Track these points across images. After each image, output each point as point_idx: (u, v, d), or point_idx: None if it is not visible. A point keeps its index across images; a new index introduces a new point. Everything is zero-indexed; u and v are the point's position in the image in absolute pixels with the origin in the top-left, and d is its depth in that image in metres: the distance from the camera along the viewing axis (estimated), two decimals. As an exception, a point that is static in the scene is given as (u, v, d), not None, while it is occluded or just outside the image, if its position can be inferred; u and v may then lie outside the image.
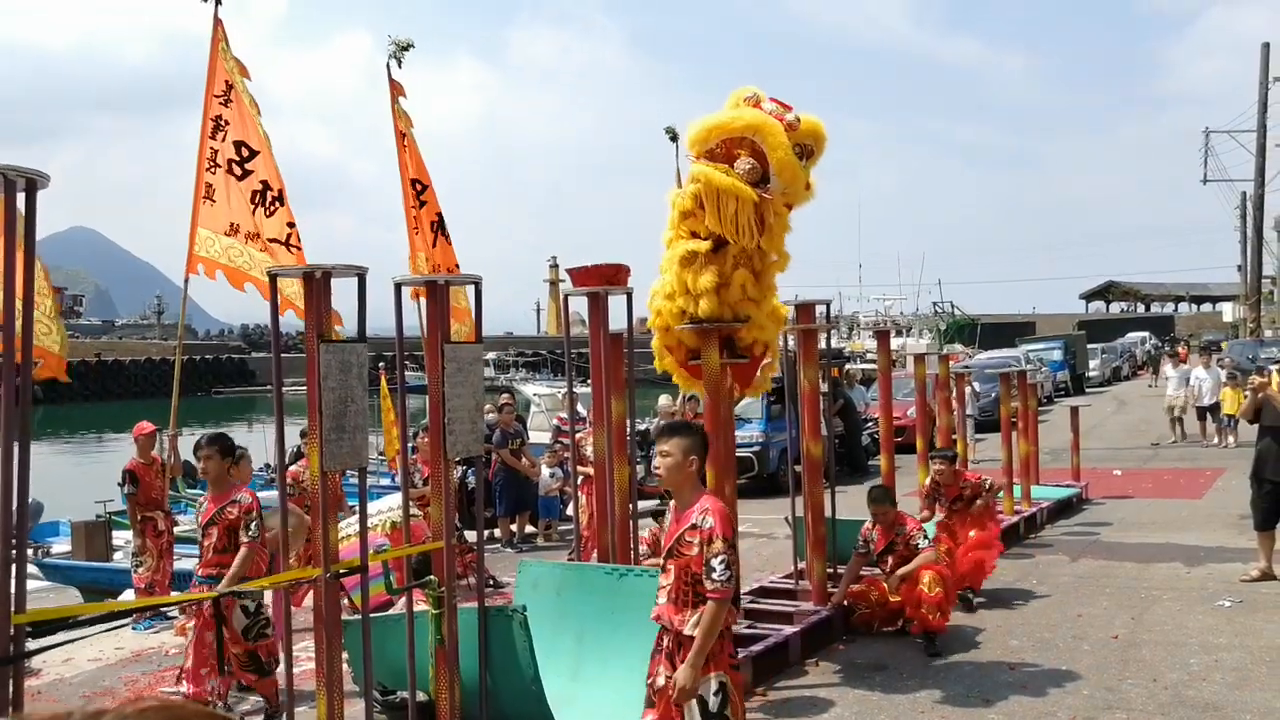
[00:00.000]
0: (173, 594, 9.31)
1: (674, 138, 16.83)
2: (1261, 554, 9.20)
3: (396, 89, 11.47)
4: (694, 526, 4.25)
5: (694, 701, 4.18)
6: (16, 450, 3.61)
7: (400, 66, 11.46)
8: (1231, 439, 19.54)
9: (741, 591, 7.95)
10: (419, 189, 11.23)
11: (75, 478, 24.96)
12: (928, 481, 9.40)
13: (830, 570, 8.10)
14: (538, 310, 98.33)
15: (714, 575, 4.16)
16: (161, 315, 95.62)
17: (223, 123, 10.44)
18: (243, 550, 6.13)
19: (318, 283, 4.63)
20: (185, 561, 10.75)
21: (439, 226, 11.20)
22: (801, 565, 8.35)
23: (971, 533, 8.80)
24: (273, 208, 10.02)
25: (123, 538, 11.81)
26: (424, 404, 16.68)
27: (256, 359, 73.77)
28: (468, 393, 5.20)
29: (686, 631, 4.23)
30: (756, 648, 6.89)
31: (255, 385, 66.14)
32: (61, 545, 12.95)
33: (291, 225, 10.04)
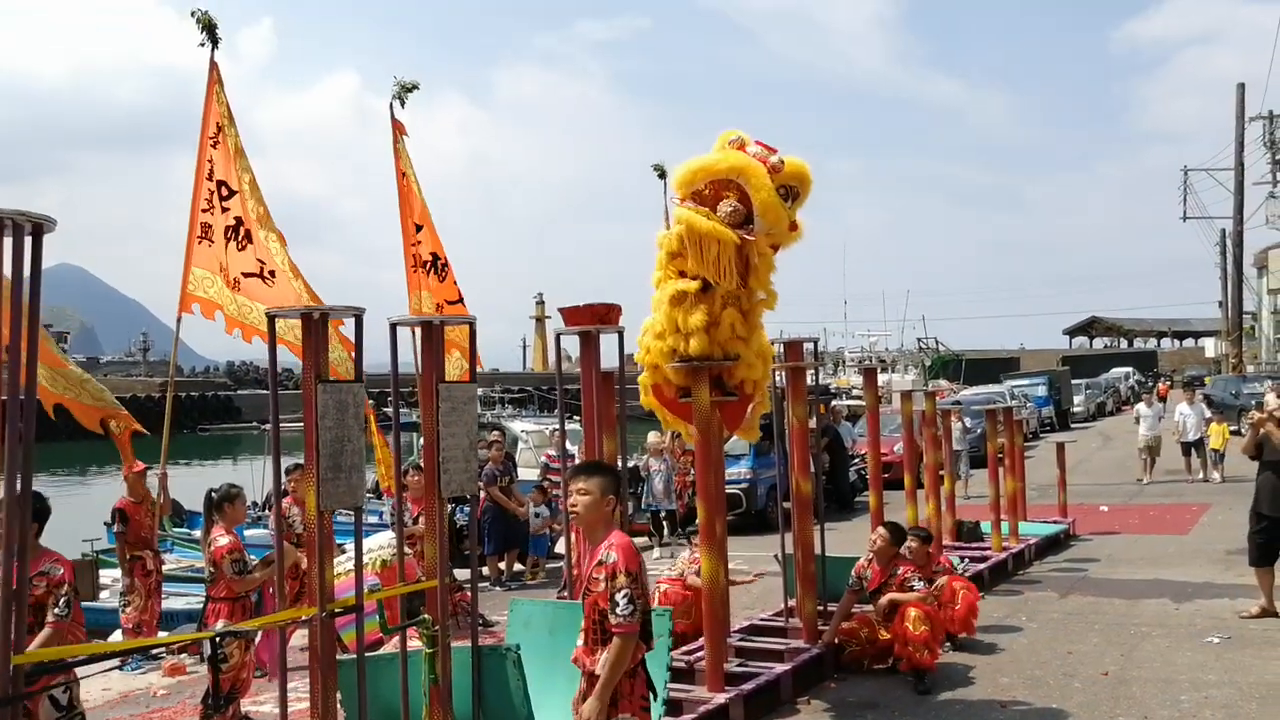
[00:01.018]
0: (161, 634, 9.26)
1: (662, 175, 16.95)
2: (1261, 591, 9.14)
3: (399, 129, 11.56)
4: (600, 563, 4.22)
5: None
6: (19, 490, 3.63)
7: (404, 106, 11.57)
8: (1218, 474, 19.63)
9: (732, 629, 7.99)
10: (416, 229, 11.31)
11: (59, 515, 24.70)
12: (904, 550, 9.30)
13: (820, 608, 8.12)
14: (524, 347, 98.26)
15: (618, 610, 4.11)
16: (147, 352, 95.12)
17: (215, 164, 10.50)
18: (46, 631, 4.92)
19: (315, 324, 4.68)
20: (173, 601, 10.71)
21: (432, 266, 11.26)
22: (792, 603, 8.37)
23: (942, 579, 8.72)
24: (244, 244, 10.06)
25: (110, 576, 11.75)
26: (411, 440, 16.51)
27: (242, 395, 73.40)
28: (462, 431, 5.24)
29: (597, 671, 4.17)
30: (747, 686, 6.89)
31: (241, 422, 65.78)
32: (47, 584, 12.84)
33: (262, 263, 10.03)
